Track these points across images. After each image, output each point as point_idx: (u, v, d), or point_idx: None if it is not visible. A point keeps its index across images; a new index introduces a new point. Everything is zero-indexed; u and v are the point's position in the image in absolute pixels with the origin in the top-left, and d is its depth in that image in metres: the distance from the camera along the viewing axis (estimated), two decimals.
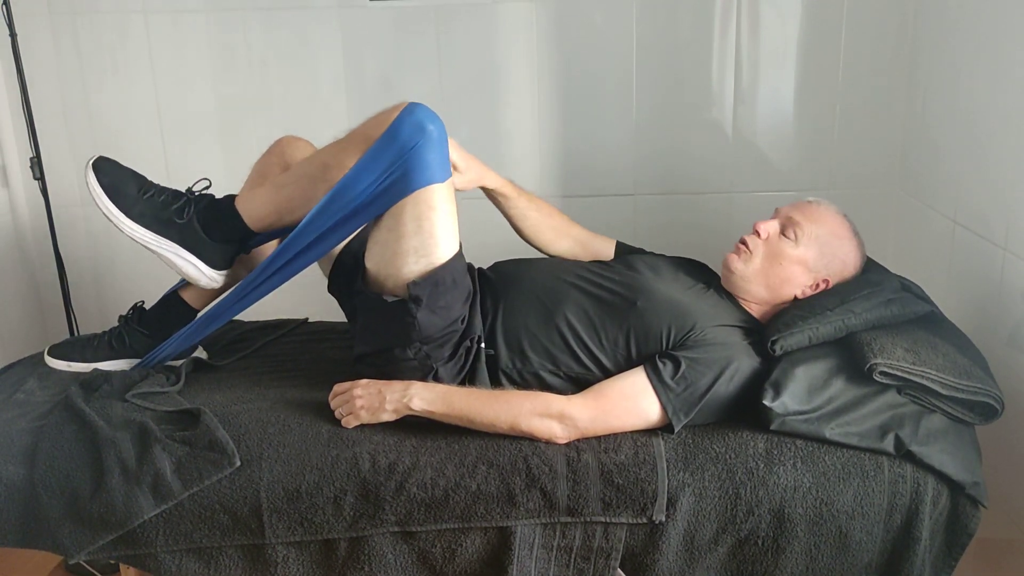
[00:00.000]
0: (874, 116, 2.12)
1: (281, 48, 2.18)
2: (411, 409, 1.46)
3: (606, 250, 1.78)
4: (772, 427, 1.41)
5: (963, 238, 1.77)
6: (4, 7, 2.04)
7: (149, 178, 1.61)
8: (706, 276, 1.69)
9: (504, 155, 2.20)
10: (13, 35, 2.06)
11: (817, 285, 1.59)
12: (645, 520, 1.39)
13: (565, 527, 1.41)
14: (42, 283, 2.34)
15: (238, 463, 1.42)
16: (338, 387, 1.53)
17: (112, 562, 1.53)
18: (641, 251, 1.79)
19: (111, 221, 1.54)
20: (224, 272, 1.64)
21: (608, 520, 1.39)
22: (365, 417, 1.47)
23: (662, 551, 1.40)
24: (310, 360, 1.78)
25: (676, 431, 1.44)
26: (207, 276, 1.61)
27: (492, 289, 1.62)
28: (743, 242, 1.61)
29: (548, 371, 1.52)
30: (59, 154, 2.25)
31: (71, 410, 1.53)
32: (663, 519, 1.38)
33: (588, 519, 1.39)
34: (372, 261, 1.54)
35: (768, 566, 1.41)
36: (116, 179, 1.55)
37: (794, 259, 1.57)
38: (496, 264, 1.71)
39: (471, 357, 1.54)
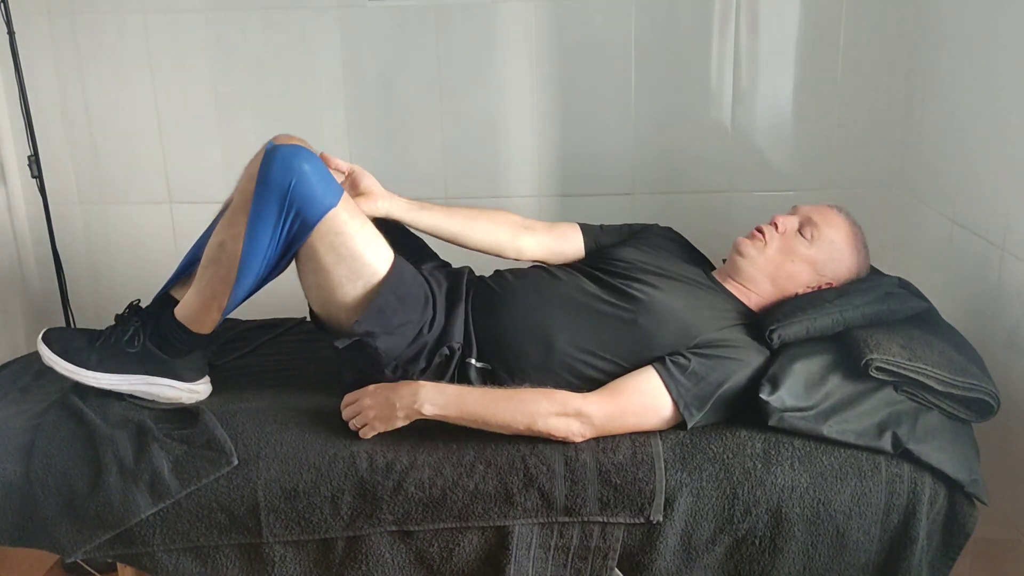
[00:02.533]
0: (873, 116, 2.12)
1: (279, 48, 2.17)
2: (423, 414, 1.44)
3: (573, 238, 1.74)
4: (770, 423, 1.41)
5: (961, 238, 1.77)
6: (2, 5, 2.04)
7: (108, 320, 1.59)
8: (695, 264, 1.67)
9: (502, 155, 2.20)
10: (11, 33, 2.06)
11: (819, 287, 1.60)
12: (643, 520, 1.39)
13: (563, 527, 1.41)
14: (40, 281, 2.34)
15: (236, 462, 1.42)
16: (348, 398, 1.50)
17: (109, 561, 1.54)
18: (603, 228, 1.76)
19: (77, 380, 1.53)
20: (203, 380, 1.60)
21: (606, 520, 1.39)
22: (379, 427, 1.45)
23: (659, 551, 1.40)
24: (308, 359, 1.78)
25: (689, 427, 1.44)
26: (187, 392, 1.57)
27: (489, 303, 1.59)
28: (760, 230, 1.61)
29: (550, 386, 1.49)
30: (57, 152, 2.24)
31: (68, 408, 1.53)
32: (660, 519, 1.38)
33: (586, 519, 1.40)
34: (316, 304, 1.55)
35: (765, 566, 1.41)
36: (65, 341, 1.55)
37: (805, 258, 1.58)
38: (497, 274, 1.67)
39: (453, 366, 1.53)
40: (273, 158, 1.39)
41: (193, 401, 1.58)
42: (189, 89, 2.21)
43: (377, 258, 1.49)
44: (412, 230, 1.69)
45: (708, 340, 1.49)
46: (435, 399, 1.44)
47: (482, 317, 1.58)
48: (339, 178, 1.59)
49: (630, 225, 1.79)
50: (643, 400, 1.44)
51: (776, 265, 1.59)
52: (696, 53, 2.12)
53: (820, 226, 1.59)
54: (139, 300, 1.66)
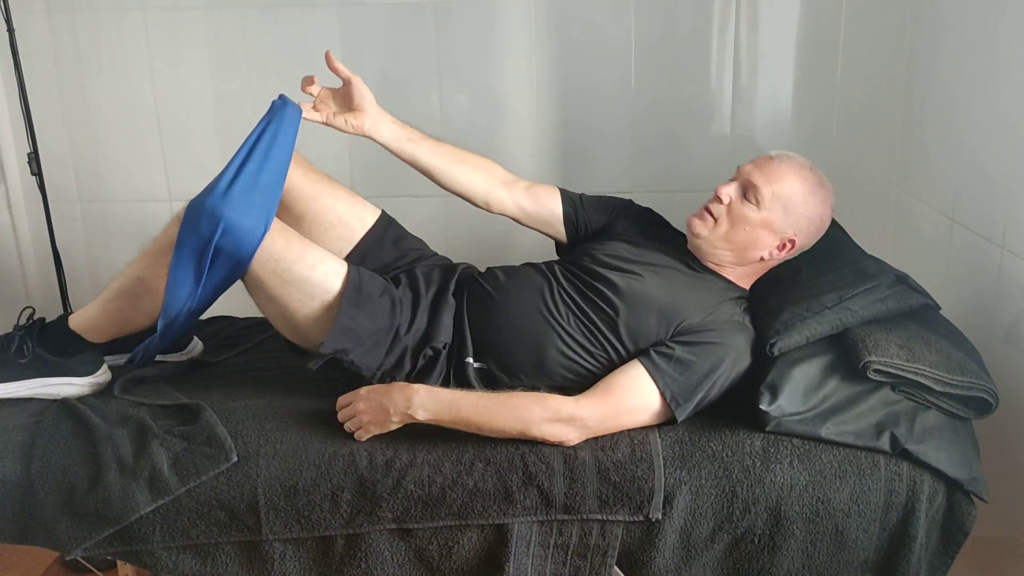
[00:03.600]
0: (872, 114, 2.12)
1: (279, 45, 2.17)
2: (416, 419, 1.43)
3: (549, 203, 1.73)
4: (767, 429, 1.41)
5: (961, 236, 1.77)
6: (2, 3, 2.03)
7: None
8: (672, 247, 1.65)
9: (502, 151, 2.20)
10: (11, 30, 2.06)
11: (784, 245, 1.57)
12: (642, 518, 1.39)
13: (562, 525, 1.41)
14: (39, 279, 2.34)
15: (235, 458, 1.42)
16: (341, 400, 1.50)
17: (109, 558, 1.53)
18: (583, 199, 1.75)
19: None
20: (100, 371, 1.59)
21: (605, 518, 1.39)
22: (374, 431, 1.45)
23: (659, 549, 1.40)
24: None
25: (680, 419, 1.44)
26: (89, 385, 1.57)
27: (483, 304, 1.59)
28: (707, 209, 1.58)
29: (545, 385, 1.52)
30: (57, 150, 2.24)
31: (68, 406, 1.53)
32: (660, 517, 1.38)
33: (585, 517, 1.40)
34: (283, 331, 1.56)
35: (764, 564, 1.41)
36: None
37: (757, 223, 1.55)
38: (489, 272, 1.67)
39: (442, 365, 1.53)
40: (195, 218, 1.40)
41: (97, 390, 1.58)
42: (189, 87, 2.21)
43: (328, 275, 1.48)
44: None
45: (690, 326, 1.49)
46: (428, 405, 1.43)
47: (476, 317, 1.58)
48: (336, 84, 1.63)
49: (611, 199, 1.76)
50: (634, 397, 1.44)
51: (730, 238, 1.56)
52: (696, 52, 2.12)
53: (760, 187, 1.53)
54: (33, 309, 1.64)
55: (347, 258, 1.65)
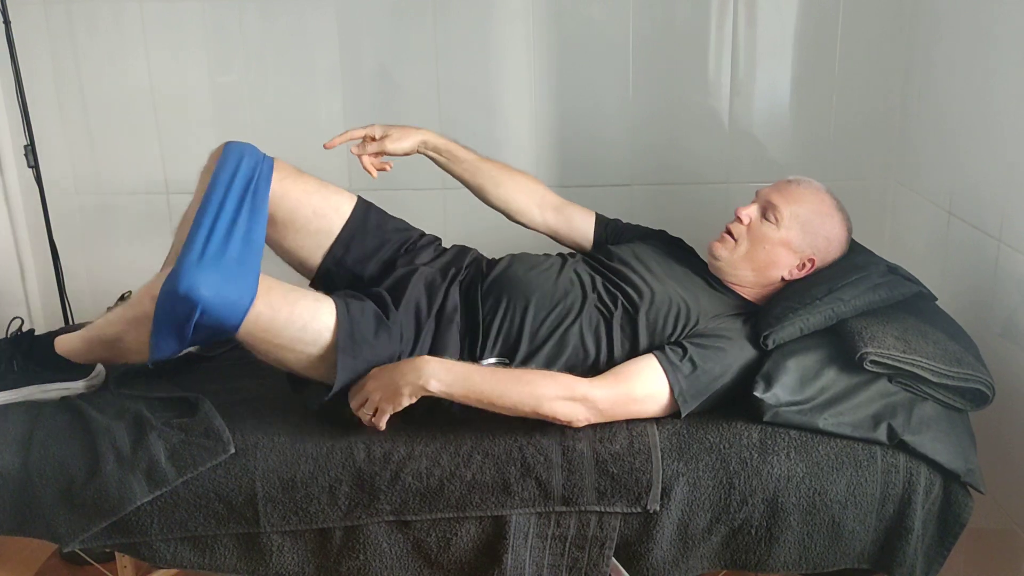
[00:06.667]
0: (870, 107, 2.12)
1: (277, 35, 2.17)
2: (428, 391, 1.39)
3: (582, 228, 1.78)
4: (765, 419, 1.42)
5: (958, 229, 1.77)
6: None
7: None
8: (694, 264, 1.69)
9: (501, 145, 2.20)
10: (7, 22, 2.05)
11: (803, 264, 1.60)
12: (639, 510, 1.39)
13: (560, 516, 1.41)
14: (36, 271, 2.34)
15: (232, 450, 1.42)
16: (354, 389, 1.45)
17: (108, 550, 1.53)
18: (617, 224, 1.79)
19: None
20: (94, 372, 1.57)
21: (603, 509, 1.40)
22: (388, 409, 1.41)
23: (656, 540, 1.40)
24: None
25: (684, 415, 1.45)
26: (83, 386, 1.56)
27: (498, 302, 1.55)
28: (728, 231, 1.62)
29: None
30: (53, 141, 2.24)
31: (65, 398, 1.53)
32: (657, 508, 1.39)
33: (583, 508, 1.40)
34: (288, 372, 1.50)
35: (761, 555, 1.41)
36: None
37: (777, 241, 1.58)
38: (496, 279, 1.61)
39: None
40: (171, 299, 1.31)
41: (91, 390, 1.57)
42: (186, 78, 2.20)
43: (320, 332, 1.41)
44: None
45: (705, 329, 1.51)
46: (441, 375, 1.40)
47: (493, 317, 1.55)
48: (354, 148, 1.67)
49: (644, 227, 1.80)
50: (645, 387, 1.44)
51: (752, 257, 1.60)
52: (694, 45, 2.12)
53: (780, 207, 1.58)
54: (22, 321, 1.63)
55: (330, 249, 1.63)
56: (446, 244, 1.76)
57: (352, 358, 1.43)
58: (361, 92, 2.19)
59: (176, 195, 2.27)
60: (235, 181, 1.46)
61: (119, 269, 2.31)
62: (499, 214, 1.79)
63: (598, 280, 1.60)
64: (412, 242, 1.71)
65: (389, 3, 2.13)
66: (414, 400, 1.41)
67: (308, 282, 1.69)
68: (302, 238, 1.62)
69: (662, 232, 1.80)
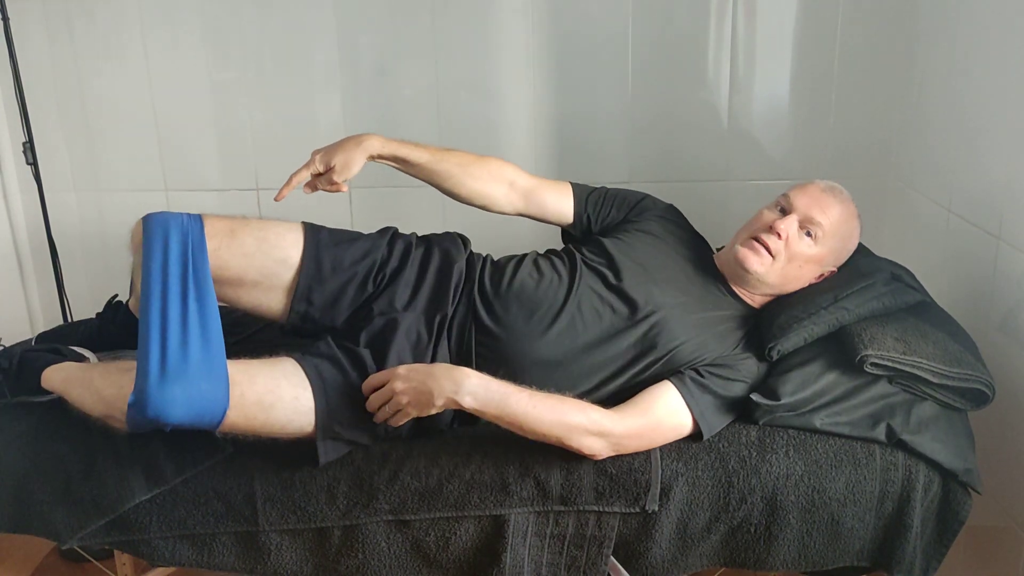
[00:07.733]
0: (869, 105, 2.12)
1: (275, 32, 2.16)
2: (460, 406, 1.33)
3: (558, 206, 1.68)
4: (761, 422, 1.43)
5: (957, 227, 1.77)
6: None
7: None
8: (704, 264, 1.63)
9: (499, 141, 2.20)
10: (6, 19, 2.05)
11: (821, 275, 1.58)
12: (638, 510, 1.39)
13: (558, 516, 1.41)
14: (35, 269, 2.33)
15: (231, 449, 1.42)
16: (372, 380, 1.39)
17: (106, 548, 1.54)
18: (603, 196, 1.70)
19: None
20: (94, 356, 1.56)
21: (601, 509, 1.40)
22: (414, 413, 1.36)
23: (655, 539, 1.40)
24: (305, 346, 1.77)
25: (706, 438, 1.43)
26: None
27: (491, 372, 1.41)
28: (764, 244, 1.53)
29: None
30: (52, 139, 2.23)
31: None
32: (656, 508, 1.39)
33: (581, 508, 1.40)
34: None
35: (760, 553, 1.41)
36: None
37: (811, 258, 1.54)
38: (491, 343, 1.50)
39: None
40: (138, 422, 1.28)
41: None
42: (185, 75, 2.20)
43: (298, 413, 1.37)
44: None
45: (722, 359, 1.48)
46: (479, 394, 1.33)
47: (490, 361, 1.48)
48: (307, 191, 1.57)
49: (629, 194, 1.72)
50: (669, 419, 1.41)
51: (784, 273, 1.55)
52: (693, 42, 2.11)
53: (823, 224, 1.52)
54: (116, 296, 1.61)
55: (292, 307, 1.53)
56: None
57: (337, 425, 1.39)
58: (359, 89, 2.18)
59: (174, 192, 2.27)
60: (169, 267, 1.38)
61: (118, 266, 2.30)
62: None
63: (611, 317, 1.50)
64: (379, 268, 1.57)
65: (387, 0, 2.13)
66: (442, 411, 1.36)
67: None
68: (258, 295, 1.53)
69: (652, 204, 1.71)
